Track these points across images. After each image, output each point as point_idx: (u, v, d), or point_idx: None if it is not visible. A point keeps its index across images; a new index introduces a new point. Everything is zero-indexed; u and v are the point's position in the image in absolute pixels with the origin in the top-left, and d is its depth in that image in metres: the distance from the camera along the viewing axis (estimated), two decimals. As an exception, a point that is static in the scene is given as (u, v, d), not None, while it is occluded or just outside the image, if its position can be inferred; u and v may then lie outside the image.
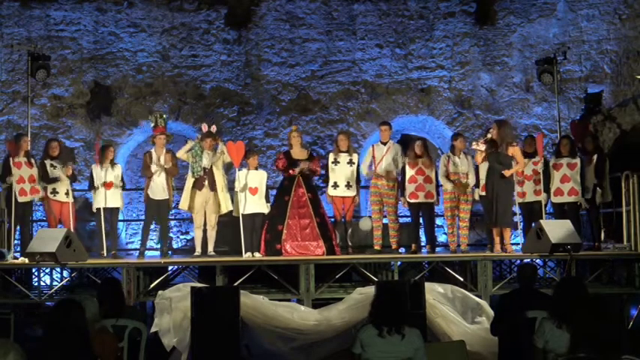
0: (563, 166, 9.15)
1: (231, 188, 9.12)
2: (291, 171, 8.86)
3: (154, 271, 8.28)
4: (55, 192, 8.91)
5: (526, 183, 9.20)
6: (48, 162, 8.93)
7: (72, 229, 8.62)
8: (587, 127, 10.87)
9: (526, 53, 11.78)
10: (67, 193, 8.99)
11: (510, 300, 5.72)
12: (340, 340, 6.81)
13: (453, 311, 7.06)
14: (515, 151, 8.64)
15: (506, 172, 8.41)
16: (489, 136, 8.64)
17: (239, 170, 8.89)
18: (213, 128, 9.07)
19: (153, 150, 9.07)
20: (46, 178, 8.88)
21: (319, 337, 6.93)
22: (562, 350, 4.28)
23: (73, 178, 9.11)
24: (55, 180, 8.89)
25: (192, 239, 9.47)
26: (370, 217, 9.56)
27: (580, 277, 7.83)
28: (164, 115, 9.24)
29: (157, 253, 9.73)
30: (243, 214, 8.63)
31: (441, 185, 9.41)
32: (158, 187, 8.88)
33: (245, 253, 8.58)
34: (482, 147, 8.49)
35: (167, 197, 8.94)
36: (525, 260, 7.98)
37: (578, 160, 9.16)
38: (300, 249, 8.61)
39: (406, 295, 6.26)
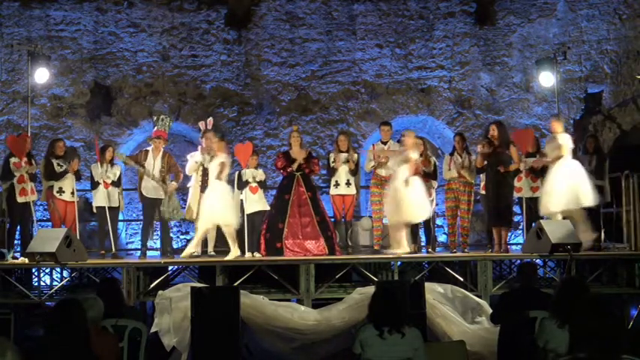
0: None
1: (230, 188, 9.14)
2: (289, 169, 8.89)
3: (154, 271, 8.28)
4: (61, 191, 8.90)
5: (523, 179, 9.22)
6: (54, 161, 8.94)
7: (76, 229, 8.63)
8: (588, 127, 10.89)
9: (526, 53, 11.79)
10: (72, 193, 9.00)
11: (510, 299, 5.73)
12: (340, 340, 6.81)
13: (453, 311, 7.06)
14: (513, 151, 8.65)
15: (503, 169, 8.42)
16: (490, 136, 8.64)
17: (241, 170, 8.93)
18: (210, 122, 9.12)
19: (150, 150, 9.04)
20: (53, 175, 8.88)
21: (319, 337, 6.93)
22: (562, 350, 4.28)
23: (77, 176, 9.12)
24: (63, 175, 8.88)
25: (192, 239, 9.46)
26: (370, 217, 9.58)
27: (581, 277, 7.82)
28: (167, 120, 9.22)
29: (157, 253, 9.73)
30: (246, 214, 8.69)
31: (441, 185, 9.42)
32: (151, 186, 8.87)
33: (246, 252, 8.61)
34: (487, 148, 8.50)
35: (163, 197, 8.92)
36: (525, 260, 7.98)
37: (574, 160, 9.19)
38: (300, 247, 8.61)
39: (405, 295, 6.27)
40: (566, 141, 8.45)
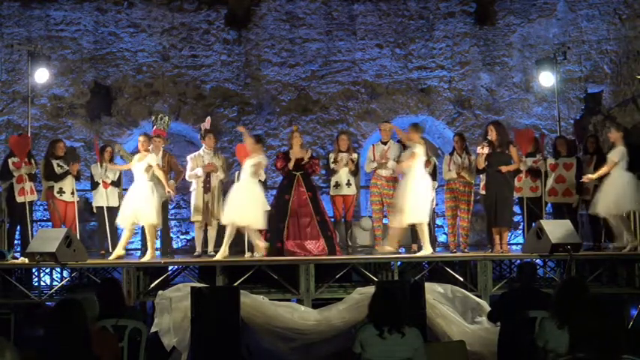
0: (559, 167, 9.21)
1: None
2: (286, 169, 8.89)
3: (154, 271, 8.28)
4: (61, 192, 8.92)
5: (523, 179, 9.23)
6: (54, 161, 8.94)
7: (76, 229, 8.63)
8: (588, 127, 10.90)
9: (526, 53, 11.79)
10: (72, 193, 9.00)
11: (510, 299, 5.74)
12: (340, 340, 6.81)
13: (453, 311, 7.07)
14: (513, 151, 8.66)
15: (503, 168, 8.41)
16: (489, 138, 8.64)
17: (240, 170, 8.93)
18: (208, 122, 9.12)
19: (150, 149, 9.02)
20: (53, 176, 8.88)
21: (319, 337, 6.93)
22: (562, 350, 4.28)
23: (77, 176, 9.13)
24: (64, 176, 8.89)
25: (193, 239, 9.47)
26: (370, 217, 9.59)
27: (582, 277, 7.83)
28: (166, 118, 9.22)
29: (157, 253, 9.72)
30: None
31: (442, 185, 9.42)
32: None
33: (246, 252, 8.61)
34: (487, 150, 8.50)
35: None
36: (525, 260, 7.98)
37: (574, 161, 9.21)
38: (300, 247, 8.62)
39: (405, 295, 6.27)
40: (422, 152, 8.34)
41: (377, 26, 11.93)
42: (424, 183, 8.35)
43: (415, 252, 9.07)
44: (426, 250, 8.34)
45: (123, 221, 8.28)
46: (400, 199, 8.27)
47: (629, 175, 8.24)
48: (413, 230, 9.26)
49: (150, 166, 8.24)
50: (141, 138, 8.49)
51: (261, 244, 8.26)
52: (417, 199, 8.22)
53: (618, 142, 8.36)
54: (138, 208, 8.11)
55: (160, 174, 8.35)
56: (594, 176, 8.35)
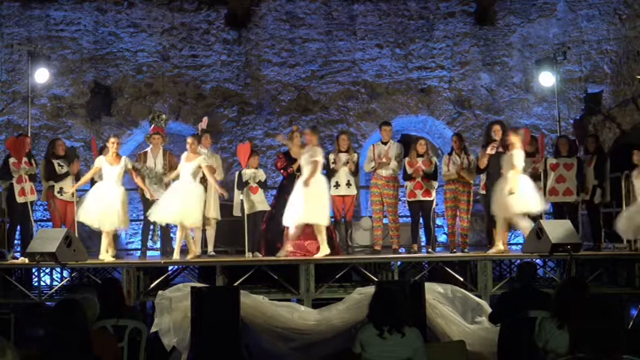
0: (559, 166, 9.20)
1: (230, 188, 9.15)
2: (289, 170, 8.87)
3: (154, 271, 8.28)
4: (61, 192, 8.91)
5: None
6: (55, 161, 8.93)
7: (76, 229, 8.63)
8: (588, 127, 10.89)
9: (526, 53, 11.80)
10: (72, 193, 8.99)
11: (510, 299, 5.74)
12: (340, 340, 6.80)
13: (453, 311, 7.06)
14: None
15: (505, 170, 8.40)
16: (496, 138, 8.63)
17: (241, 170, 8.93)
18: (205, 122, 9.11)
19: (149, 150, 9.03)
20: (54, 176, 8.87)
21: (319, 337, 6.92)
22: (562, 350, 4.28)
23: (78, 176, 9.13)
24: (64, 176, 8.89)
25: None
26: (370, 217, 9.58)
27: (582, 277, 7.83)
28: (163, 116, 9.23)
29: (157, 253, 9.73)
30: (247, 214, 8.70)
31: (442, 185, 9.42)
32: (153, 187, 8.86)
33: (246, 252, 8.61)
34: (495, 150, 8.50)
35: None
36: (525, 260, 7.97)
37: (575, 161, 9.20)
38: (300, 247, 8.62)
39: (405, 295, 6.27)
40: (322, 158, 8.33)
41: (377, 26, 11.94)
42: (323, 185, 8.30)
43: (415, 252, 9.08)
44: (323, 252, 8.20)
45: (92, 221, 8.24)
46: (306, 199, 8.10)
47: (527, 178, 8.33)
48: (413, 230, 9.26)
49: (127, 169, 8.28)
50: (112, 139, 8.43)
51: (195, 250, 8.26)
52: (318, 200, 8.15)
53: (517, 144, 8.30)
54: (110, 212, 8.10)
55: (138, 179, 8.41)
56: (514, 188, 8.20)
